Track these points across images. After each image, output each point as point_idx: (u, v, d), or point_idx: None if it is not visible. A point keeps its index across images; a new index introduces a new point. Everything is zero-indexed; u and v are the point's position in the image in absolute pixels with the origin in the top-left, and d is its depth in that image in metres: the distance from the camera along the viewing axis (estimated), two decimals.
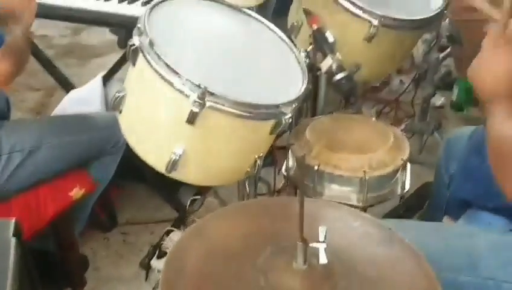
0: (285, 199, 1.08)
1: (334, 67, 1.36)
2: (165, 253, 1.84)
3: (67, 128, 1.53)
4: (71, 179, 1.53)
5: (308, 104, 1.50)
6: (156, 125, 1.07)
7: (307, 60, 1.37)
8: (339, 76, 1.35)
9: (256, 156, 1.12)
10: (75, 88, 2.01)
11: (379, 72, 1.59)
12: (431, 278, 0.78)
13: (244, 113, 1.01)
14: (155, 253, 1.85)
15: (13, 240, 0.90)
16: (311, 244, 0.77)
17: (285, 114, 1.05)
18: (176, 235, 1.89)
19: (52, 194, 1.46)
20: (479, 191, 1.22)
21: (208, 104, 0.97)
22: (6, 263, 0.86)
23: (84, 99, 1.85)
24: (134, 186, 2.16)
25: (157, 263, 1.82)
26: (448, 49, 2.16)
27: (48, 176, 1.47)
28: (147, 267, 1.82)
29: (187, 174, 1.09)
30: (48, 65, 2.06)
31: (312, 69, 1.42)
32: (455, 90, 2.61)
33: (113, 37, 3.26)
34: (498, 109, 0.92)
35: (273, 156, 2.10)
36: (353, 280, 0.77)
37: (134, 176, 2.11)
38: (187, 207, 2.04)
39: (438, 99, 2.62)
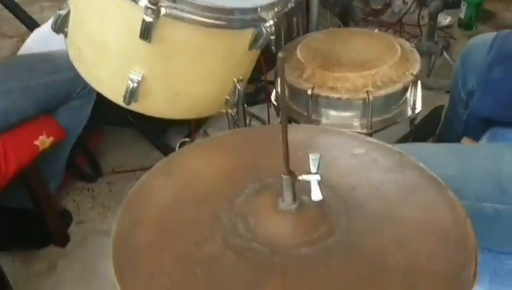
0: (270, 128, 0.90)
1: None
2: None
3: (30, 71, 1.34)
4: (35, 127, 1.35)
5: (299, 21, 1.29)
6: (106, 46, 0.86)
7: None
8: None
9: (236, 80, 0.92)
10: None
11: None
12: (456, 209, 0.61)
13: (214, 21, 0.80)
14: None
15: None
16: (300, 177, 0.59)
17: (265, 21, 0.84)
18: None
19: (13, 145, 1.28)
20: (503, 107, 1.05)
21: (163, 10, 0.76)
22: None
23: (48, 37, 1.64)
24: (118, 131, 2.01)
25: None
26: None
27: (10, 124, 1.29)
28: None
29: (151, 106, 0.89)
30: (16, 10, 1.85)
31: None
32: (463, 7, 2.49)
33: None
34: None
35: (266, 91, 1.93)
36: (357, 219, 0.60)
37: (116, 121, 1.95)
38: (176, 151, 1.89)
39: (445, 19, 2.52)
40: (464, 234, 0.58)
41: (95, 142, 1.92)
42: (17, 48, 2.82)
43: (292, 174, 0.59)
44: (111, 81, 0.88)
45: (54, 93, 1.38)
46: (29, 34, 2.50)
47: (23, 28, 2.95)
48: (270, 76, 1.86)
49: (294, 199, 0.60)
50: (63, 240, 1.63)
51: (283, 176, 0.59)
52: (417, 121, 1.20)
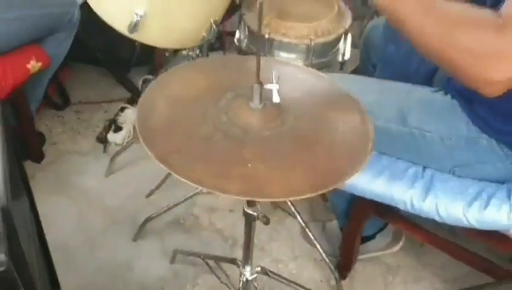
0: (240, 57, 1.19)
1: None
2: (120, 127, 1.95)
3: (24, 3, 1.52)
4: (28, 53, 1.56)
5: None
6: None
7: None
8: None
9: (212, 20, 1.21)
10: None
11: None
12: (363, 114, 0.93)
13: None
14: (111, 127, 1.95)
15: None
16: (265, 86, 0.89)
17: None
18: (130, 112, 1.98)
19: (10, 66, 1.49)
20: (399, 74, 1.33)
21: None
22: None
23: None
24: (86, 68, 2.21)
25: (113, 137, 1.93)
26: None
27: (5, 50, 1.49)
28: (104, 140, 1.93)
29: (148, 35, 1.16)
30: None
31: None
32: None
33: None
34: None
35: (221, 40, 2.19)
36: (299, 116, 0.91)
37: (85, 58, 2.15)
38: (140, 87, 2.12)
39: None
40: (366, 129, 0.91)
41: (64, 76, 2.11)
42: None
43: (260, 83, 0.89)
44: (119, 15, 1.13)
45: (46, 23, 1.58)
46: None
47: None
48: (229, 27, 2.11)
49: (260, 101, 0.90)
50: (38, 156, 1.86)
51: (254, 84, 0.89)
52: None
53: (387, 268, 1.62)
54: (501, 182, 1.11)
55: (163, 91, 0.97)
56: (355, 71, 1.83)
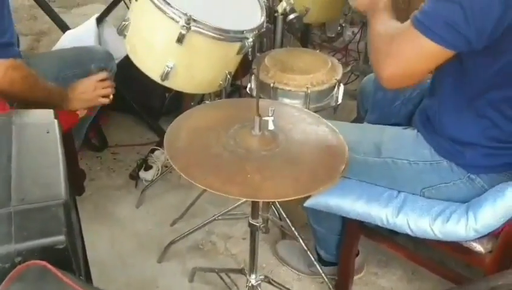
0: (248, 100, 1.47)
1: (287, 9, 1.74)
2: (150, 166, 2.24)
3: (74, 62, 1.86)
4: None
5: (268, 41, 1.88)
6: (154, 45, 1.45)
7: (267, 3, 1.75)
8: (291, 16, 1.74)
9: (227, 72, 1.52)
10: (69, 29, 2.34)
11: (324, 14, 1.98)
12: (341, 143, 1.20)
13: (219, 36, 1.40)
14: (142, 166, 2.24)
15: (55, 121, 1.27)
16: (263, 118, 1.18)
17: (248, 38, 1.44)
18: (159, 153, 2.29)
19: (64, 113, 1.80)
20: (384, 115, 1.62)
21: (192, 28, 1.35)
22: (54, 134, 1.22)
23: (79, 37, 2.18)
24: (122, 115, 2.54)
25: (144, 174, 2.23)
26: None
27: None
28: (136, 177, 2.22)
29: (176, 83, 1.48)
30: (46, 8, 2.35)
31: (271, 12, 1.81)
32: None
33: None
34: (375, 15, 1.29)
35: (239, 92, 2.51)
36: (290, 141, 1.19)
37: (122, 107, 2.48)
38: None
39: None
40: (341, 153, 1.17)
41: (103, 121, 2.44)
42: (32, 45, 3.33)
43: (260, 116, 1.17)
44: (153, 66, 1.45)
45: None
46: (42, 34, 3.05)
47: (36, 27, 3.47)
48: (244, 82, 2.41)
49: (260, 129, 1.18)
50: (80, 190, 2.15)
51: (255, 116, 1.17)
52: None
53: None
54: (464, 202, 1.34)
55: (187, 122, 1.27)
56: (354, 121, 2.11)
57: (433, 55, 1.13)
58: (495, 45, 1.12)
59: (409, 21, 1.16)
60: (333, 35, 3.09)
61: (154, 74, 1.46)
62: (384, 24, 1.26)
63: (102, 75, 1.72)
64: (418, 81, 1.23)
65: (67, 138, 1.96)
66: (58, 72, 1.79)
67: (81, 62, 1.88)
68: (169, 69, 1.42)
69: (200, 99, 2.00)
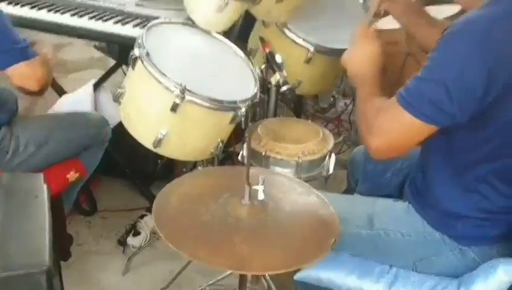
0: (239, 168, 1.47)
1: (280, 81, 1.78)
2: (139, 232, 2.21)
3: (67, 125, 1.88)
4: (68, 165, 1.87)
5: (261, 110, 1.92)
6: (148, 113, 1.47)
7: (261, 75, 1.80)
8: (284, 88, 1.78)
9: (219, 140, 1.54)
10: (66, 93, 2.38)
11: (316, 87, 2.04)
12: (332, 215, 1.20)
13: (212, 106, 1.43)
14: (131, 232, 2.21)
15: (44, 186, 1.27)
16: (253, 187, 1.18)
17: (241, 108, 1.47)
18: (148, 219, 2.26)
19: (54, 176, 1.80)
20: (375, 186, 1.63)
21: (186, 97, 1.39)
22: (43, 199, 1.22)
23: (76, 102, 2.21)
24: (114, 179, 2.52)
25: (132, 240, 2.19)
26: None
27: (51, 163, 1.81)
28: (124, 243, 2.18)
29: (168, 150, 1.49)
30: None
31: (264, 83, 1.85)
32: None
33: (92, 54, 3.65)
34: (363, 87, 1.32)
35: (232, 159, 2.52)
36: (279, 211, 1.18)
37: (114, 171, 2.48)
38: None
39: None
40: (332, 225, 1.16)
41: (95, 185, 2.43)
42: (29, 107, 3.36)
43: (250, 185, 1.17)
44: (146, 133, 1.47)
45: (84, 142, 1.92)
46: (44, 98, 3.07)
47: None
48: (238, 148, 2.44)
49: (249, 199, 1.18)
50: (66, 256, 2.10)
51: (246, 185, 1.17)
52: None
53: None
54: (455, 276, 1.32)
55: (177, 189, 1.26)
56: (345, 192, 2.11)
57: (417, 130, 1.16)
58: (479, 117, 1.14)
59: (394, 96, 1.19)
60: (326, 106, 3.14)
61: (147, 141, 1.47)
62: (371, 95, 1.29)
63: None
64: (406, 154, 1.25)
65: (56, 202, 1.95)
66: (50, 133, 1.81)
67: (75, 126, 1.90)
68: (162, 136, 1.44)
69: (192, 165, 2.01)
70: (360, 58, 1.37)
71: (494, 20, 1.11)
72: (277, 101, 1.96)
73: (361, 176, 1.72)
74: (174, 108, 1.39)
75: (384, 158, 1.27)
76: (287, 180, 1.34)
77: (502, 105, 1.14)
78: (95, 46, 3.03)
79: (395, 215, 1.41)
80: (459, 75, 1.10)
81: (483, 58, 1.09)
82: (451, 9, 1.97)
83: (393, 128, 1.18)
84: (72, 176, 1.88)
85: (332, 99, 3.07)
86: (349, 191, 1.90)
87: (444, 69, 1.13)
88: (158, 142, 1.45)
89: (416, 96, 1.14)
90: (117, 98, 1.50)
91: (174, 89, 1.38)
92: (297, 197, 1.27)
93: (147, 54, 1.40)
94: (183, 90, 1.38)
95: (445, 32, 1.15)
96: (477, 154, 1.22)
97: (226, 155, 2.46)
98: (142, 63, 1.41)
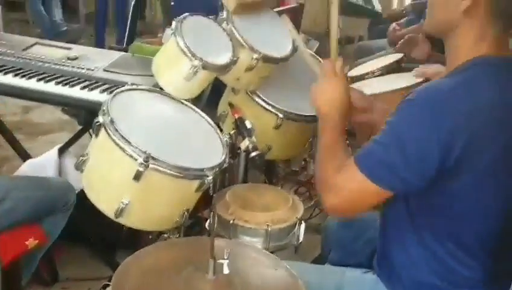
0: (204, 238, 1.42)
1: (250, 147, 1.76)
2: None
3: (28, 186, 1.82)
4: (27, 231, 1.79)
5: (230, 175, 1.89)
6: (110, 181, 1.42)
7: (230, 141, 1.78)
8: (253, 154, 1.75)
9: (184, 209, 1.48)
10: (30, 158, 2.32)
11: (286, 153, 2.02)
12: (299, 285, 1.15)
13: (177, 174, 1.38)
14: None
15: None
16: (218, 261, 1.12)
17: (207, 176, 1.44)
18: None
19: (11, 242, 1.72)
20: (347, 254, 1.59)
21: (150, 165, 1.34)
22: None
23: (40, 167, 2.15)
24: (77, 247, 2.42)
25: None
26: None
27: (8, 224, 1.73)
28: None
29: (130, 220, 1.43)
30: (7, 136, 2.35)
31: (234, 148, 1.83)
32: None
33: (62, 117, 3.61)
34: (329, 125, 1.29)
35: (200, 225, 2.46)
36: (245, 286, 1.13)
37: (77, 238, 2.38)
38: None
39: None
40: None
41: (57, 253, 2.32)
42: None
43: (214, 259, 1.12)
44: (108, 202, 1.41)
45: (46, 206, 1.84)
46: (5, 160, 3.03)
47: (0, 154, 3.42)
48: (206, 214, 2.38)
49: (214, 273, 1.12)
50: None
51: (210, 259, 1.12)
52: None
53: None
54: None
55: (138, 262, 1.20)
56: (316, 260, 2.06)
57: (371, 193, 1.16)
58: (434, 185, 1.13)
59: (353, 157, 1.19)
60: (297, 169, 3.16)
61: (109, 211, 1.41)
62: (334, 144, 1.27)
63: None
64: (361, 214, 1.26)
65: (12, 271, 1.85)
66: (10, 190, 1.73)
67: (36, 186, 1.83)
68: (124, 205, 1.39)
69: (158, 232, 1.93)
70: (326, 98, 1.32)
71: (452, 89, 1.12)
72: (247, 167, 1.93)
73: (334, 243, 1.68)
74: (138, 176, 1.35)
75: (339, 216, 1.32)
76: (255, 252, 1.30)
77: (454, 177, 1.12)
78: (63, 110, 3.01)
79: (363, 287, 1.37)
80: (414, 141, 1.10)
81: (437, 128, 1.09)
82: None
83: (348, 188, 1.17)
84: (31, 242, 1.79)
85: (303, 162, 3.08)
86: (322, 257, 1.85)
87: (400, 134, 1.13)
88: (120, 212, 1.39)
89: (372, 159, 1.14)
90: (80, 166, 1.45)
91: (138, 157, 1.34)
92: (265, 270, 1.22)
93: (111, 121, 1.37)
94: (147, 158, 1.34)
95: (406, 98, 1.16)
96: (439, 224, 1.20)
97: (194, 221, 2.39)
98: (106, 130, 1.38)
